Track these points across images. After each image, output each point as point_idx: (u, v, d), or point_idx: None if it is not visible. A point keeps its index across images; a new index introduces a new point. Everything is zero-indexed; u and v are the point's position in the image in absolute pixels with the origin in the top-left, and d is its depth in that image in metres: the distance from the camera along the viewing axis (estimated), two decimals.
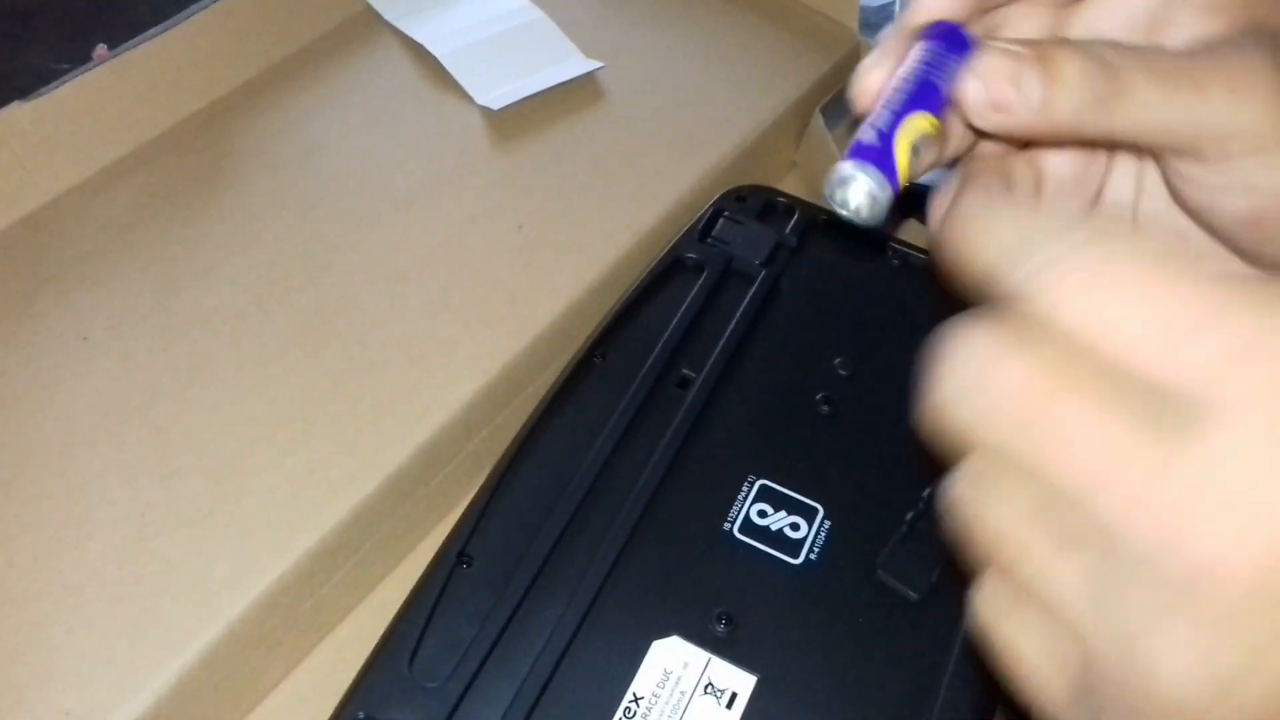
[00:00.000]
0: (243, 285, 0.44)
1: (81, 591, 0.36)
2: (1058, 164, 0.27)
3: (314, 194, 0.48)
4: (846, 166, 0.22)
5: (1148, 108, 0.23)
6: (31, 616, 0.36)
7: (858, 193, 0.22)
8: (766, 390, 0.40)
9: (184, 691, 0.35)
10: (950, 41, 0.24)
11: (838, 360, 0.40)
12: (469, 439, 0.43)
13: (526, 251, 0.46)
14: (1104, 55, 0.23)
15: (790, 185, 0.53)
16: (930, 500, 0.37)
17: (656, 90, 0.53)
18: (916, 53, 0.24)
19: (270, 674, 0.39)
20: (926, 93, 0.23)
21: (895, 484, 0.37)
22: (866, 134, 0.23)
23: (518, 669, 0.33)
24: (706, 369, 0.40)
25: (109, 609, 0.36)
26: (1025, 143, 0.27)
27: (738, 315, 0.41)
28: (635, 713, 0.32)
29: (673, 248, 0.44)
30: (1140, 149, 0.26)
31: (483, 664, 0.32)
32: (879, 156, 0.23)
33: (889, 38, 0.25)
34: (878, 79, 0.24)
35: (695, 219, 0.45)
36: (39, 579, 0.37)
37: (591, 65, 0.52)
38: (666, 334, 0.40)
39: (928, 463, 0.35)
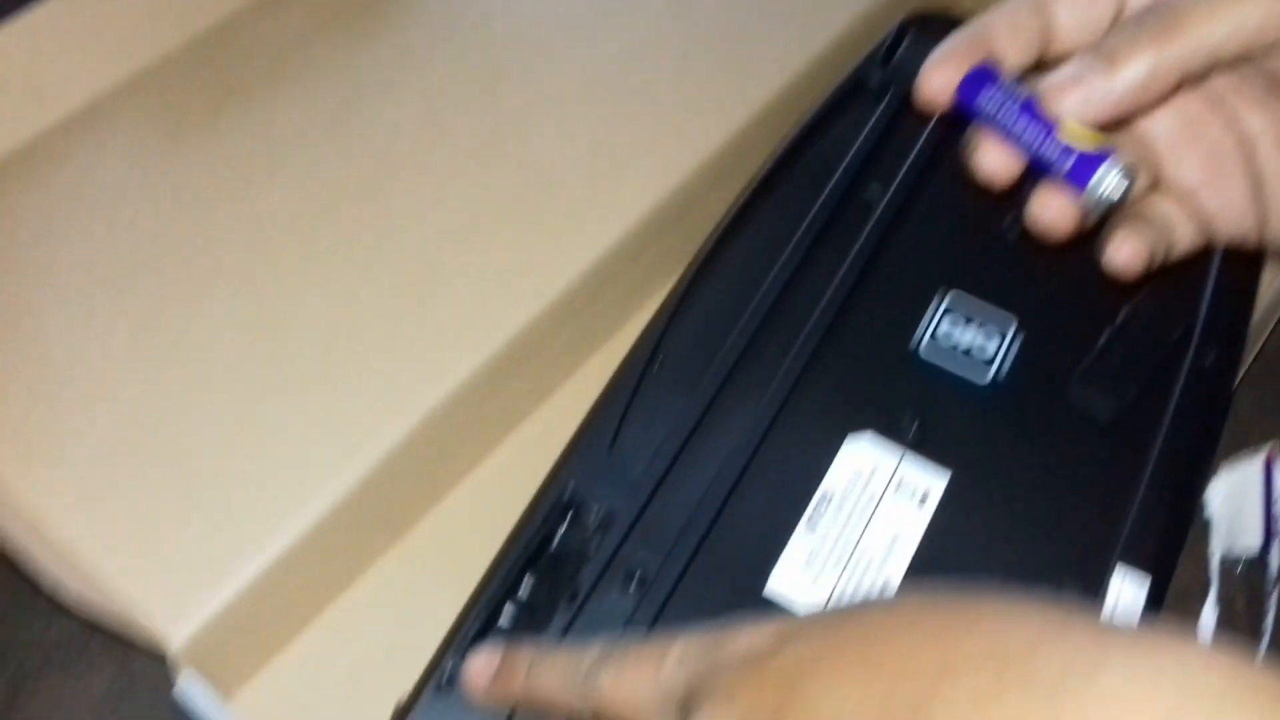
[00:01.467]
0: (419, 103, 0.45)
1: (284, 385, 0.38)
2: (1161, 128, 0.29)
3: (486, 17, 0.48)
4: (1110, 178, 0.25)
5: (1207, 6, 0.24)
6: (236, 401, 0.37)
7: (1115, 180, 0.25)
8: (955, 209, 0.39)
9: (380, 479, 0.37)
10: (990, 76, 0.27)
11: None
12: (640, 255, 0.43)
13: (698, 74, 0.45)
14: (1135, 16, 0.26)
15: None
16: (1127, 319, 0.36)
17: None
18: (988, 102, 0.26)
19: (457, 467, 0.40)
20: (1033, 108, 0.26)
21: (1089, 304, 0.37)
22: (1065, 160, 0.25)
23: (711, 463, 0.33)
24: (893, 188, 0.39)
25: (310, 401, 0.37)
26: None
27: (923, 137, 0.41)
28: (826, 509, 0.33)
29: (855, 70, 0.43)
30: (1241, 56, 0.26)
31: (677, 457, 0.33)
32: (1092, 159, 0.25)
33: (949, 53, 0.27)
34: (944, 78, 0.27)
35: (878, 42, 0.43)
36: (243, 370, 0.38)
37: None
38: (850, 154, 0.40)
39: (1123, 283, 0.35)
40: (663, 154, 0.43)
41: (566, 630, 0.30)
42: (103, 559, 0.34)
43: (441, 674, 0.30)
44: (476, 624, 0.31)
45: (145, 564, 0.34)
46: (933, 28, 0.44)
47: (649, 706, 0.25)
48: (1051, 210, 0.27)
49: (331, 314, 0.39)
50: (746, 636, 0.24)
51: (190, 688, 0.34)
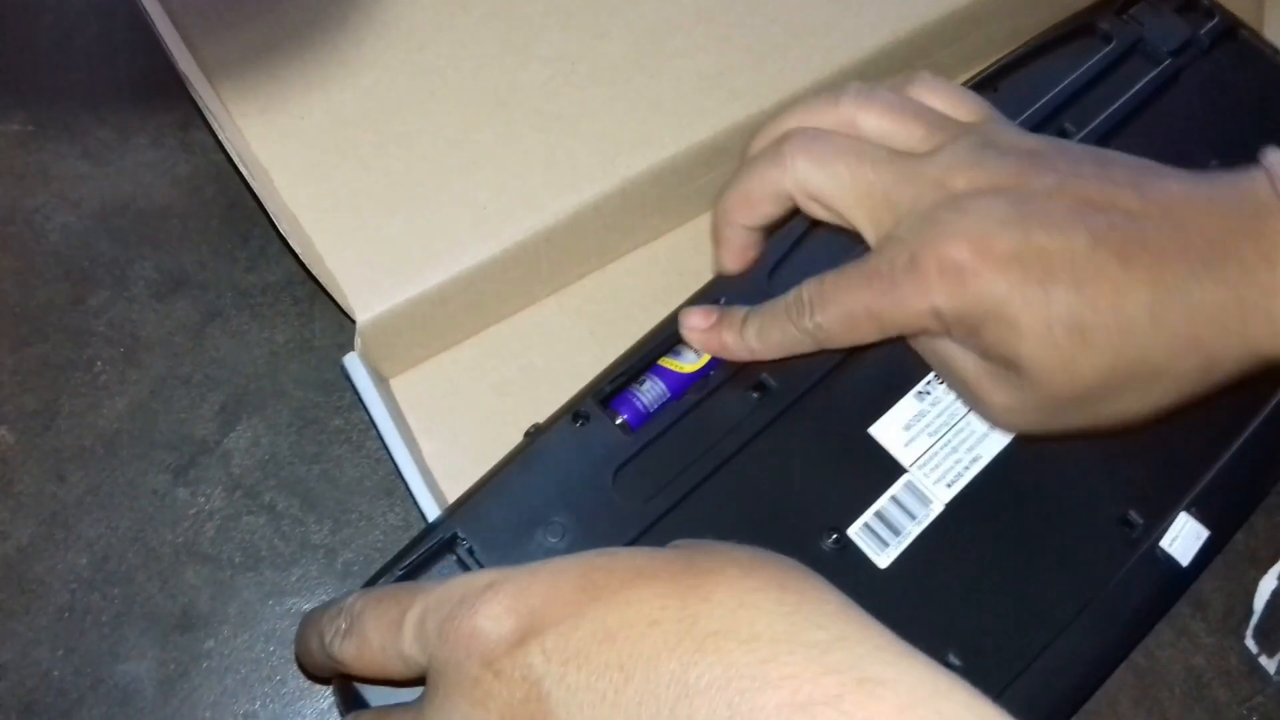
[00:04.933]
0: None
1: (510, 110, 0.41)
2: None
3: None
4: None
5: None
6: (466, 117, 0.41)
7: None
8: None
9: (578, 222, 0.41)
10: None
11: (1214, 163, 0.40)
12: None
13: None
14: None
15: None
16: None
17: None
18: None
19: (632, 239, 0.44)
20: None
21: None
22: None
23: None
24: (1086, 130, 0.41)
25: (531, 134, 0.41)
26: None
27: (1130, 92, 0.42)
28: (941, 383, 0.36)
29: (1090, 9, 0.44)
30: None
31: None
32: None
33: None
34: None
35: None
36: (475, 90, 0.42)
37: None
38: (1059, 86, 0.42)
39: None
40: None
41: (685, 414, 0.35)
42: (321, 227, 0.39)
43: (577, 413, 0.35)
44: (616, 384, 0.35)
45: (356, 242, 0.39)
46: None
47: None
48: None
49: (571, 62, 0.42)
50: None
51: (355, 363, 0.39)
